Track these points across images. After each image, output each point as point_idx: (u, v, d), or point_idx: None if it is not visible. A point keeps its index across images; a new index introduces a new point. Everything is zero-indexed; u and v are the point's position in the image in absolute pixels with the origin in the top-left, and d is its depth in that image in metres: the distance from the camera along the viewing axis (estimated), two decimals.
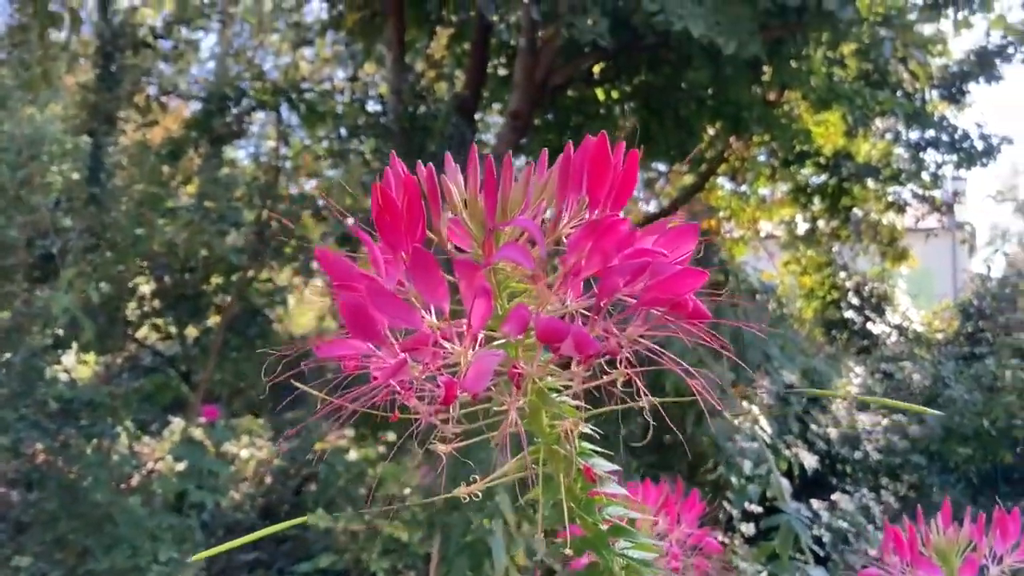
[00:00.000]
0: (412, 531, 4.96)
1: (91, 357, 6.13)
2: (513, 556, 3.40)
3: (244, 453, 8.29)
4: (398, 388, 0.59)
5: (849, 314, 11.13)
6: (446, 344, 0.58)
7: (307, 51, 7.05)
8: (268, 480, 8.15)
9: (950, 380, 7.15)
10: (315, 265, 8.68)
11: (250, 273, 6.27)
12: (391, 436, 6.29)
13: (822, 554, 5.36)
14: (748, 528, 5.27)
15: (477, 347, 0.56)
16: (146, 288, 6.30)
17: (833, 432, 6.93)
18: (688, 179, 11.37)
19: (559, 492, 0.56)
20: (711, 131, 9.81)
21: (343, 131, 6.42)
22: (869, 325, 11.01)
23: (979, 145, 9.52)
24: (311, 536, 6.88)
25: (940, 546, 0.95)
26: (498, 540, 3.19)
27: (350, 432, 7.22)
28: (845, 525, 4.98)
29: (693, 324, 0.55)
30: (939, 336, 10.39)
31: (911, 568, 0.98)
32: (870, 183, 10.33)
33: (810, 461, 5.90)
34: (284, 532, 7.45)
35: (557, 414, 0.59)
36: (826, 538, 5.13)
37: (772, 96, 9.21)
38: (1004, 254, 11.38)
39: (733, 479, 5.24)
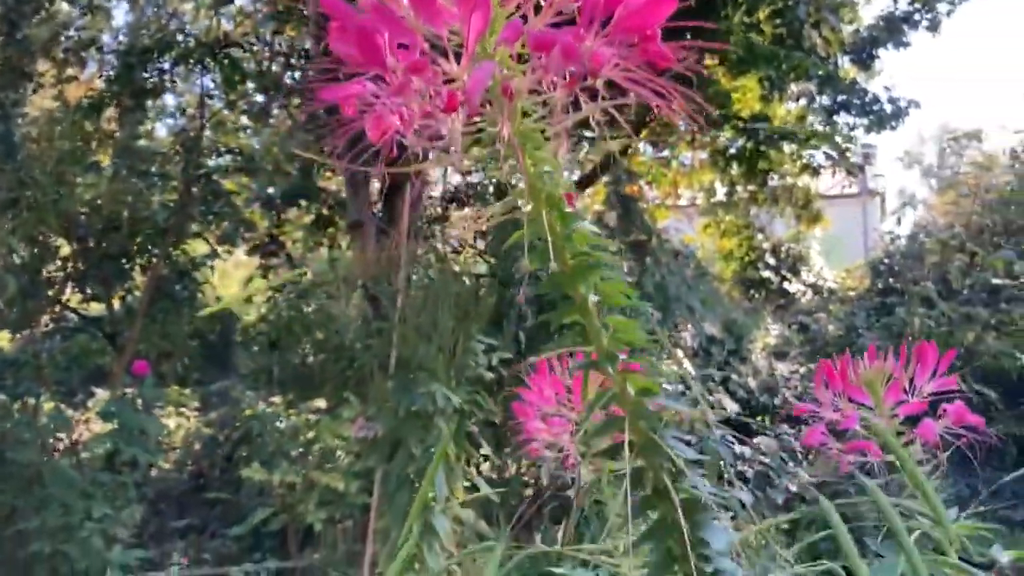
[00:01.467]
0: (349, 481, 5.00)
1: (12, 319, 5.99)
2: (453, 492, 3.49)
3: (172, 423, 8.20)
4: (398, 121, 0.63)
5: (766, 274, 11.49)
6: (444, 64, 0.62)
7: (230, 8, 6.94)
8: (197, 448, 8.08)
9: (862, 330, 7.49)
10: (242, 231, 8.59)
11: (176, 236, 6.19)
12: (321, 403, 6.30)
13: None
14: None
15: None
16: (68, 249, 6.16)
17: (753, 382, 7.20)
18: (611, 145, 11.52)
19: (543, 230, 0.62)
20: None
21: (267, 90, 6.36)
22: (785, 284, 11.38)
23: (888, 108, 9.87)
24: (243, 499, 6.86)
25: (867, 377, 1.07)
26: (440, 472, 3.27)
27: (279, 399, 7.20)
28: (768, 461, 5.20)
29: (657, 63, 0.61)
30: (851, 294, 10.80)
31: (842, 396, 1.09)
32: (785, 147, 10.63)
33: (732, 407, 6.14)
34: (215, 497, 7.43)
35: (539, 145, 0.65)
36: (749, 474, 5.35)
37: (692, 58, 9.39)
38: (912, 208, 11.89)
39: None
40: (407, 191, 4.41)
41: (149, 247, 5.98)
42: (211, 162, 5.83)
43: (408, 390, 3.19)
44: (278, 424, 6.29)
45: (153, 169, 5.41)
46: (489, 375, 3.46)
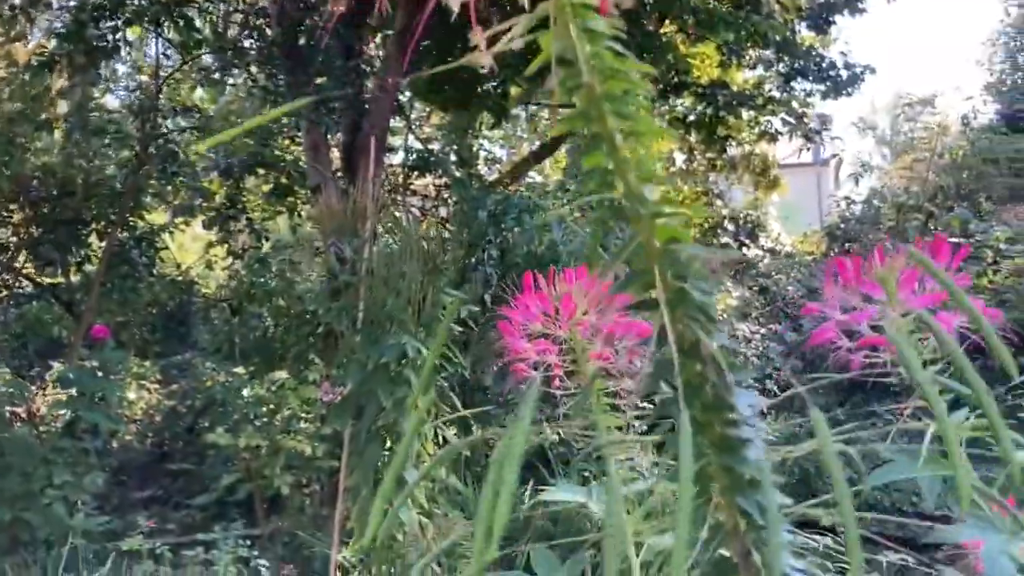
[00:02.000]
0: (315, 445, 4.98)
1: None
2: (424, 443, 3.48)
3: (133, 395, 8.10)
4: None
5: (725, 240, 11.59)
6: None
7: None
8: (159, 419, 7.99)
9: (821, 291, 7.56)
10: (198, 201, 8.46)
11: (133, 202, 6.07)
12: (284, 375, 6.24)
13: None
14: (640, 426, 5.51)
15: None
16: (21, 215, 6.01)
17: (714, 344, 7.27)
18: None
19: (569, 44, 0.57)
20: None
21: (225, 53, 6.23)
22: (744, 250, 11.49)
23: (844, 74, 9.96)
24: (206, 469, 6.80)
25: (879, 273, 1.05)
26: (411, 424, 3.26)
27: (241, 371, 7.12)
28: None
29: None
30: (809, 258, 10.93)
31: (854, 290, 1.07)
32: (744, 113, 10.70)
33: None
34: (179, 467, 7.35)
35: None
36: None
37: (651, 25, 9.39)
38: (867, 173, 12.03)
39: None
40: (369, 152, 4.36)
41: (106, 212, 5.85)
42: (169, 123, 5.70)
43: (377, 342, 3.16)
44: (242, 394, 6.22)
45: (108, 130, 5.27)
46: (458, 329, 3.44)
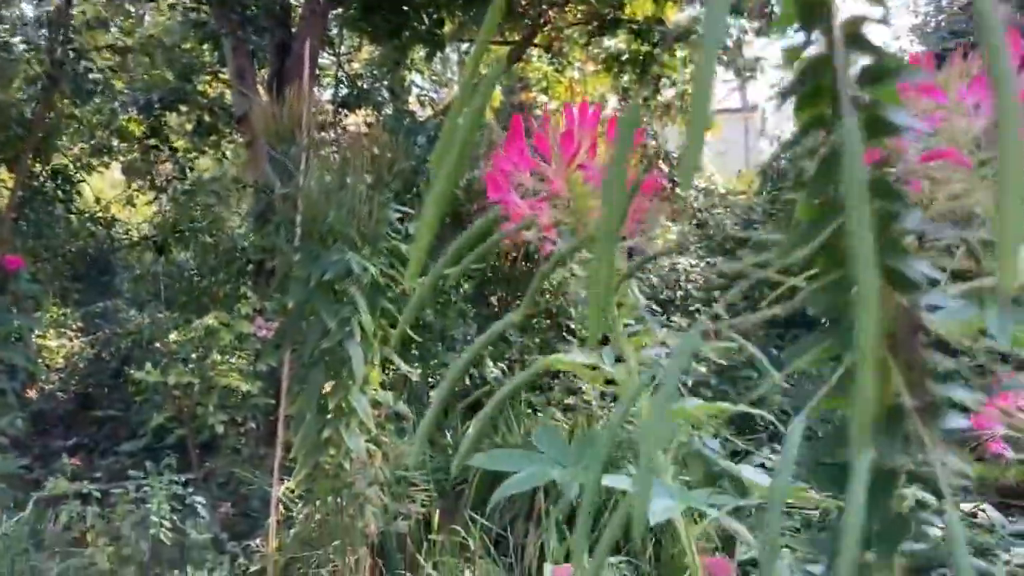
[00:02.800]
0: (251, 381, 4.77)
1: None
2: (370, 371, 3.31)
3: (54, 344, 7.76)
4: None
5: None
6: None
7: None
8: (82, 367, 7.65)
9: (759, 224, 7.62)
10: (115, 143, 8.05)
11: (45, 132, 5.68)
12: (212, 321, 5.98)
13: None
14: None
15: None
16: None
17: (655, 278, 7.24)
18: (502, 52, 11.30)
19: None
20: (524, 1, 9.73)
21: None
22: (677, 190, 11.45)
23: (778, 10, 9.90)
24: (132, 416, 6.54)
25: (943, 77, 0.89)
26: (356, 347, 3.09)
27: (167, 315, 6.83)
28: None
29: None
30: (742, 198, 10.96)
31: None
32: (679, 52, 10.61)
33: (641, 299, 6.13)
34: (103, 415, 7.06)
35: None
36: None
37: None
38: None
39: (572, 310, 5.39)
40: (299, 78, 4.11)
41: (14, 140, 5.45)
42: (83, 39, 5.30)
43: (318, 259, 2.97)
44: (170, 338, 5.94)
45: (15, 46, 4.88)
46: (404, 247, 3.26)
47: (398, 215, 3.19)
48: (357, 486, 3.22)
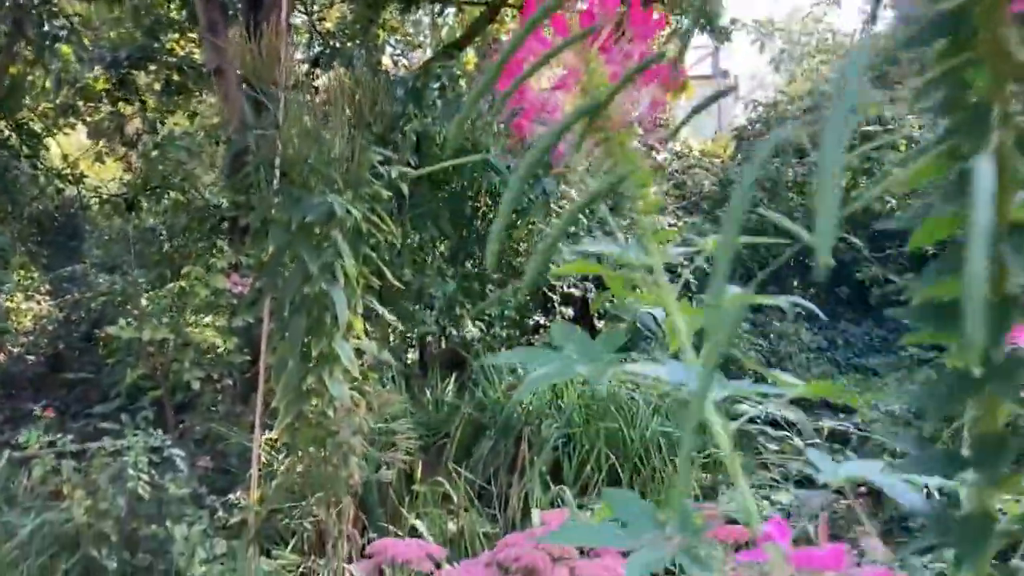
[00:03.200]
0: (227, 338, 4.69)
1: None
2: (353, 319, 3.25)
3: (22, 307, 7.61)
4: None
5: (634, 143, 11.52)
6: None
7: None
8: (52, 329, 7.51)
9: (737, 183, 7.59)
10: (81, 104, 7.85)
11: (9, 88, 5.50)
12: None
13: None
14: (568, 311, 5.45)
15: None
16: None
17: (631, 237, 7.22)
18: (477, 12, 11.17)
19: None
20: None
21: None
22: (653, 153, 11.42)
23: None
24: (103, 379, 6.43)
25: None
26: (339, 293, 3.03)
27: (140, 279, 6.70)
28: None
29: None
30: (717, 160, 10.95)
31: None
32: (655, 13, 10.52)
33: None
34: (75, 378, 6.94)
35: None
36: None
37: None
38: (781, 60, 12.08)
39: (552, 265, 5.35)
40: (275, 25, 4.00)
41: None
42: None
43: (299, 201, 2.89)
44: (142, 301, 5.81)
45: None
46: (387, 194, 3.19)
47: (380, 159, 3.12)
48: (341, 435, 3.17)
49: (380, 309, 3.34)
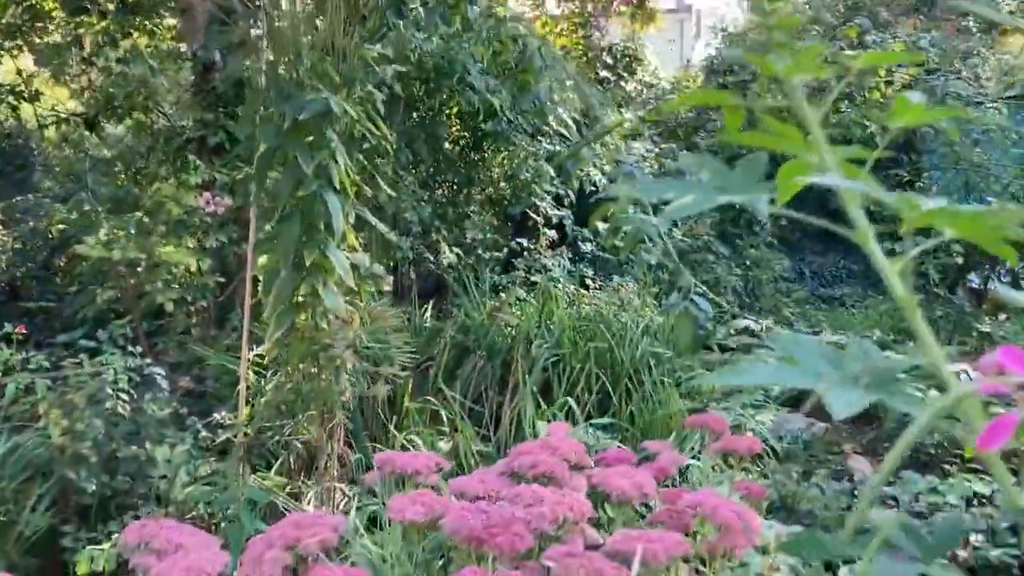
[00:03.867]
0: (201, 258, 4.50)
1: None
2: (345, 229, 3.10)
3: None
4: None
5: (604, 73, 11.37)
6: None
7: None
8: (6, 258, 7.20)
9: (713, 111, 7.50)
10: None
11: None
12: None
13: None
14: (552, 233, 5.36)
15: None
16: None
17: (608, 166, 7.12)
18: None
19: None
20: None
21: None
22: (623, 83, 11.32)
23: None
24: (65, 308, 6.20)
25: None
26: (334, 197, 2.87)
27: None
28: None
29: None
30: (688, 90, 10.83)
31: None
32: None
33: (601, 178, 6.05)
34: (34, 307, 6.68)
35: None
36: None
37: None
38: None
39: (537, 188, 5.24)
40: None
41: None
42: None
43: (290, 97, 2.71)
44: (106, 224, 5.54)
45: None
46: (381, 96, 3.02)
47: (373, 56, 2.95)
48: (335, 349, 3.04)
49: (372, 220, 3.19)
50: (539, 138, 5.57)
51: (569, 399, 3.89)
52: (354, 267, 3.21)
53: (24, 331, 3.68)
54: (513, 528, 1.94)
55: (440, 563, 2.22)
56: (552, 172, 5.26)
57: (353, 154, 2.99)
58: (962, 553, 3.39)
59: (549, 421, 3.72)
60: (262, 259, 3.10)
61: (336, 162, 2.83)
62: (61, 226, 6.47)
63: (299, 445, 3.34)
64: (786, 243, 8.93)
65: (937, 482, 3.69)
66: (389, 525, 2.67)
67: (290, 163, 2.81)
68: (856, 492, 3.82)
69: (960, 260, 5.87)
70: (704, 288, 3.28)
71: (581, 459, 2.48)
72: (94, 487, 3.39)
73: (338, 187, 2.88)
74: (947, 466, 3.99)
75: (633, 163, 6.75)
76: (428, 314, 5.36)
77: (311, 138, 2.81)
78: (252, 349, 3.41)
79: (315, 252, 2.88)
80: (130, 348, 3.68)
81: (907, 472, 3.81)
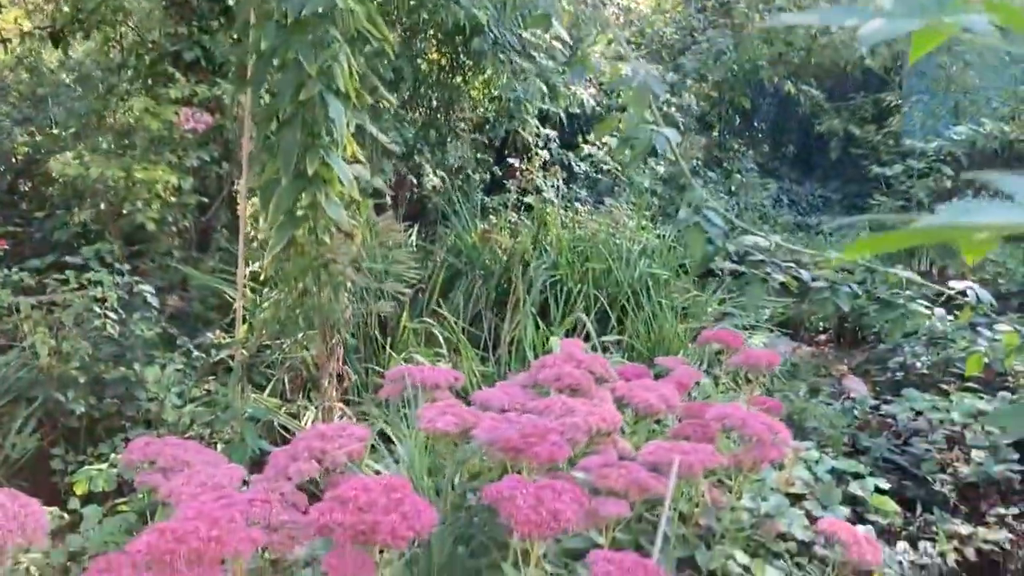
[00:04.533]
0: (183, 176, 4.32)
1: None
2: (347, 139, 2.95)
3: None
4: None
5: None
6: None
7: None
8: None
9: (699, 32, 7.34)
10: None
11: None
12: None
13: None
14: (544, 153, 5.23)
15: None
16: None
17: (593, 89, 6.97)
18: None
19: None
20: None
21: None
22: (602, 7, 11.06)
23: None
24: (33, 231, 5.97)
25: None
26: (337, 102, 2.72)
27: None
28: None
29: None
30: (668, 15, 10.62)
31: None
32: None
33: (588, 100, 5.92)
34: (4, 231, 6.44)
35: None
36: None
37: None
38: None
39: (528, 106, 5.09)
40: None
41: None
42: None
43: None
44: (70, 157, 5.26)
45: None
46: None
47: None
48: (336, 264, 2.92)
49: (373, 130, 3.05)
50: (531, 53, 5.38)
51: (582, 315, 3.81)
52: (355, 179, 3.07)
53: (5, 245, 3.50)
54: (550, 438, 1.87)
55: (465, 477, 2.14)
56: (545, 88, 5.10)
57: (357, 57, 2.83)
58: (964, 469, 3.40)
59: (545, 344, 3.65)
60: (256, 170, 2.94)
61: (340, 63, 2.67)
62: (25, 149, 6.19)
63: (299, 365, 3.23)
64: (766, 171, 8.89)
65: (937, 400, 3.69)
66: (400, 443, 2.59)
67: (290, 65, 2.64)
68: (855, 411, 3.81)
69: (949, 184, 5.84)
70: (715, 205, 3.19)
71: (606, 372, 2.41)
72: (82, 409, 3.27)
73: (342, 89, 2.73)
74: (943, 386, 3.99)
75: (645, 72, 6.58)
76: (414, 237, 5.24)
77: (312, 37, 2.64)
78: (248, 265, 3.28)
79: (317, 160, 2.74)
80: (117, 266, 3.52)
81: (908, 390, 3.80)
